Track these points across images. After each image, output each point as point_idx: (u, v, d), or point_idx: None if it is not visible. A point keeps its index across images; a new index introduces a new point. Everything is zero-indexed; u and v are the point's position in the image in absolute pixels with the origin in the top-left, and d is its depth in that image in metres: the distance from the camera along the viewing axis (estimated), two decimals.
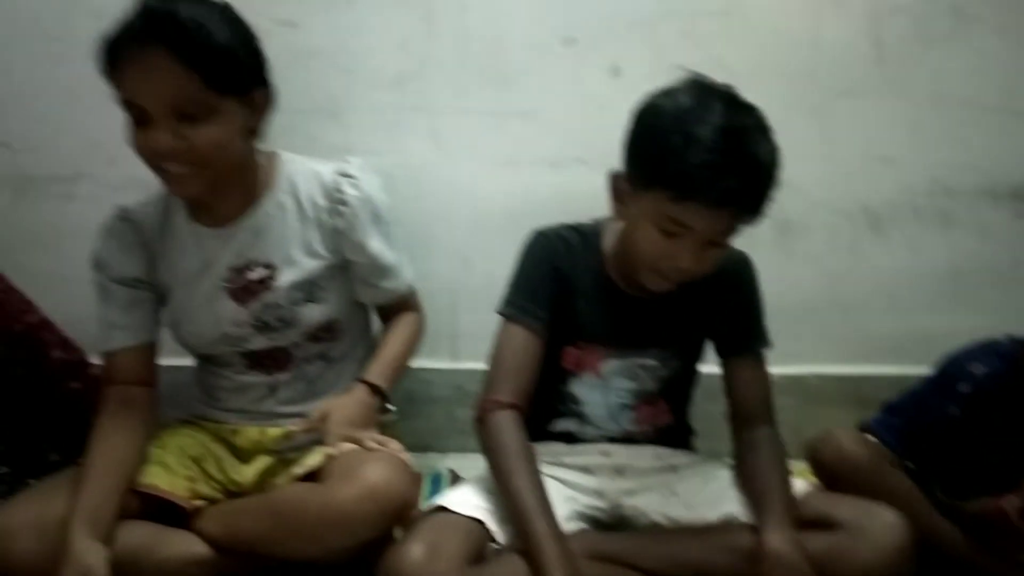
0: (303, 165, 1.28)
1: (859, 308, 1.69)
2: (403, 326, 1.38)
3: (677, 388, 1.28)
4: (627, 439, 1.26)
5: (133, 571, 1.10)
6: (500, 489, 1.11)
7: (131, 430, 1.19)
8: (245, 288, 1.24)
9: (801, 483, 1.17)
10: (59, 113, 1.55)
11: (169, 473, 1.21)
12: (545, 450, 1.21)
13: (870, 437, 1.31)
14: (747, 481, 1.17)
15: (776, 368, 1.26)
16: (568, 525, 1.14)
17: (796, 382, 1.67)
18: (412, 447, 1.23)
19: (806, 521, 1.08)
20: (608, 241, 1.22)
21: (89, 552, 1.05)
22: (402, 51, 1.56)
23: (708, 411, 1.30)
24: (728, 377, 1.24)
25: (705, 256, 1.08)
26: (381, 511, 1.07)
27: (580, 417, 1.25)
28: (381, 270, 1.31)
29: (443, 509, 1.11)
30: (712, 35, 1.55)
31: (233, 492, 1.26)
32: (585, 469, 1.24)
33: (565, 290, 1.20)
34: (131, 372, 1.24)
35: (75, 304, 1.26)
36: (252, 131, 1.19)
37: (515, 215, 1.37)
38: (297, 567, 1.13)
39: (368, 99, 1.58)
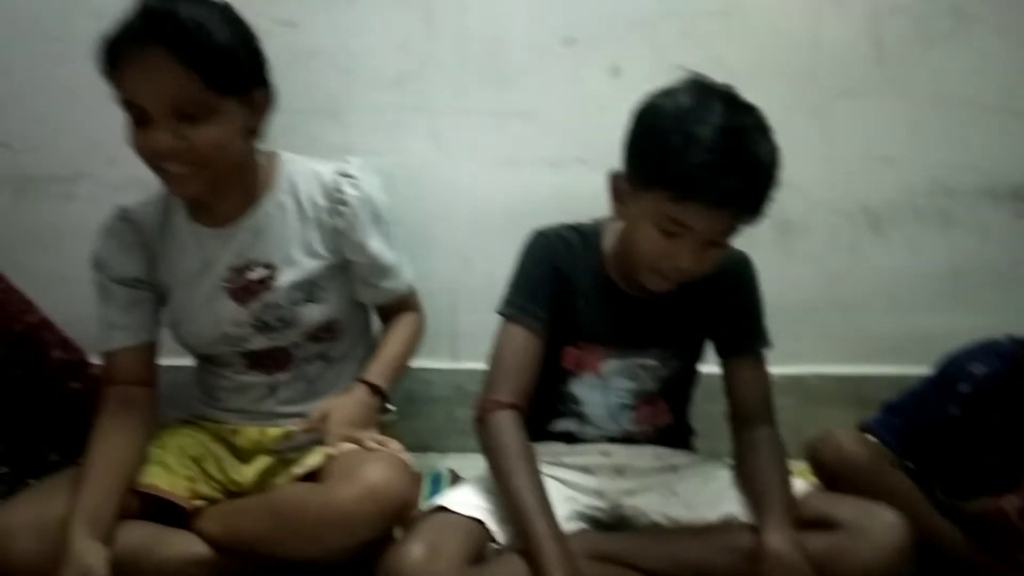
0: (303, 165, 1.28)
1: (859, 308, 1.69)
2: (403, 326, 1.38)
3: (677, 388, 1.28)
4: (627, 439, 1.26)
5: (133, 571, 1.10)
6: (500, 489, 1.11)
7: (131, 430, 1.19)
8: (245, 288, 1.24)
9: (801, 483, 1.17)
10: (59, 113, 1.55)
11: (169, 473, 1.21)
12: (545, 450, 1.21)
13: (870, 437, 1.31)
14: (747, 481, 1.17)
15: (776, 368, 1.26)
16: (568, 525, 1.14)
17: (796, 382, 1.67)
18: (412, 447, 1.23)
19: (806, 521, 1.08)
20: (608, 241, 1.22)
21: (89, 552, 1.05)
22: (402, 51, 1.56)
23: (708, 411, 1.30)
24: (728, 377, 1.24)
25: (705, 256, 1.08)
26: (381, 511, 1.07)
27: (580, 417, 1.25)
28: (381, 270, 1.31)
29: (443, 509, 1.11)
30: (712, 35, 1.55)
31: (233, 492, 1.26)
32: (585, 469, 1.24)
33: (565, 290, 1.20)
34: (131, 372, 1.24)
35: (75, 304, 1.26)
36: (252, 131, 1.19)
37: (515, 215, 1.37)
38: (297, 567, 1.13)
39: (368, 99, 1.58)
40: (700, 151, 1.00)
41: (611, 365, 1.23)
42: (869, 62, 1.58)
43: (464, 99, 1.58)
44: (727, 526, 1.13)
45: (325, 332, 1.29)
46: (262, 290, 1.24)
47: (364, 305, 1.38)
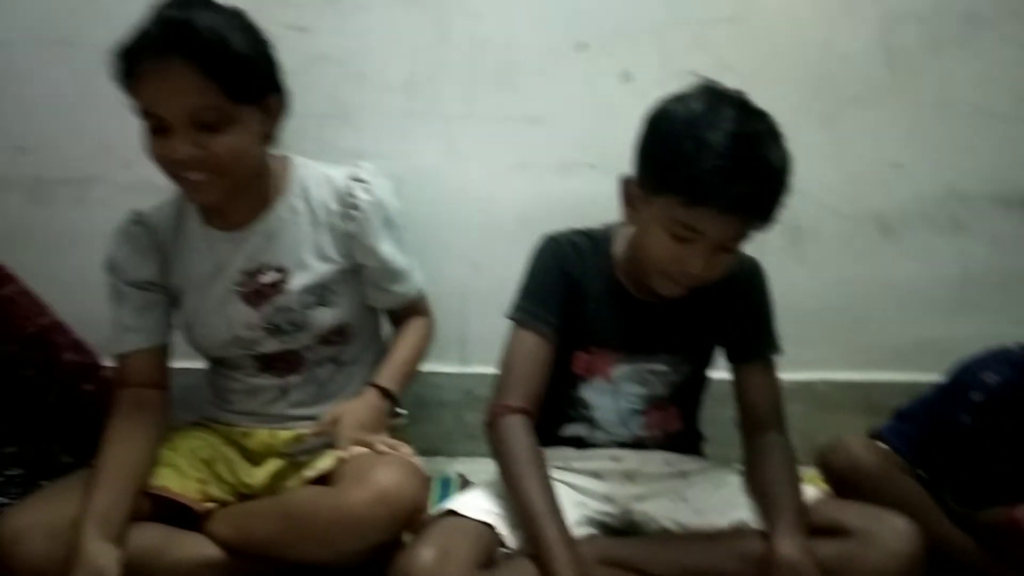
0: (315, 170, 1.29)
1: (869, 314, 1.68)
2: (413, 330, 1.38)
3: (687, 393, 1.28)
4: (637, 444, 1.26)
5: (144, 573, 1.10)
6: (510, 493, 1.11)
7: (143, 432, 1.20)
8: (257, 292, 1.25)
9: (811, 490, 1.17)
10: (72, 117, 1.56)
11: (180, 475, 1.21)
12: (555, 455, 1.21)
13: (881, 444, 1.31)
14: (757, 487, 1.16)
15: (786, 374, 1.26)
16: (578, 530, 1.13)
17: (806, 388, 1.66)
18: (422, 451, 1.23)
19: (816, 528, 1.08)
20: (619, 246, 1.22)
21: (101, 554, 1.06)
22: (413, 56, 1.57)
23: (718, 416, 1.30)
24: (738, 383, 1.24)
25: (716, 261, 1.08)
26: (392, 515, 1.08)
27: (590, 422, 1.25)
28: (392, 274, 1.32)
29: (453, 513, 1.11)
30: (723, 41, 1.55)
31: (244, 495, 1.26)
32: (595, 474, 1.24)
33: (575, 295, 1.20)
34: (143, 375, 1.24)
35: (88, 306, 1.27)
36: (267, 136, 1.19)
37: (526, 220, 1.38)
38: (307, 570, 1.13)
39: (380, 104, 1.58)
40: (712, 156, 1.00)
41: (621, 370, 1.23)
42: (880, 69, 1.58)
43: (475, 104, 1.59)
44: (737, 532, 1.13)
45: (336, 335, 1.29)
46: (274, 294, 1.25)
47: (375, 309, 1.38)
